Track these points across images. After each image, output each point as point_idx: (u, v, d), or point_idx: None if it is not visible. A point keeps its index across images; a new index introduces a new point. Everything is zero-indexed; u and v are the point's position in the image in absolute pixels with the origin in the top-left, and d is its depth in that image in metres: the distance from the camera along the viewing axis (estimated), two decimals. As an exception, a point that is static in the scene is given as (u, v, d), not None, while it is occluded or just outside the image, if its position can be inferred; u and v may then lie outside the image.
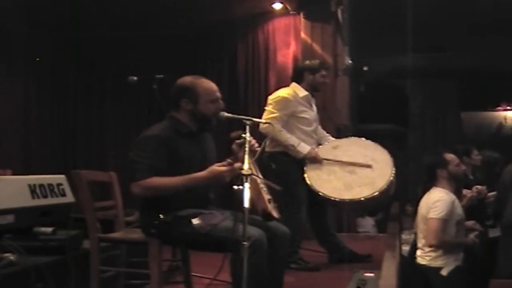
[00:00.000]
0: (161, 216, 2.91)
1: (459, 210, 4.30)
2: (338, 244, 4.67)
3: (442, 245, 4.16)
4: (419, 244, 4.32)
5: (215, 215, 2.93)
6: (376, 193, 4.17)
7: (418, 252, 4.31)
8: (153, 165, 2.87)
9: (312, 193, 4.42)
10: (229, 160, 2.85)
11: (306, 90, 4.57)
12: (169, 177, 2.87)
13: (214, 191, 3.14)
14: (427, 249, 4.21)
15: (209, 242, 2.87)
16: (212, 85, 3.09)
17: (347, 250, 4.66)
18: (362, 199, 4.18)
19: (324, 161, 4.42)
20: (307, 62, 4.89)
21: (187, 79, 3.09)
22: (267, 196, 3.08)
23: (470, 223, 4.69)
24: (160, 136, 2.95)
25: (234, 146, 3.05)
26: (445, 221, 4.14)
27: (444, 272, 4.13)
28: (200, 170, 2.92)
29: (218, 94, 3.09)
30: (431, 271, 4.17)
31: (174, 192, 2.90)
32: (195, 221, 2.87)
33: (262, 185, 3.06)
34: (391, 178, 4.21)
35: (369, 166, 4.35)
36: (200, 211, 2.94)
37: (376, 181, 4.23)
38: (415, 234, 4.69)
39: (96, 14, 6.62)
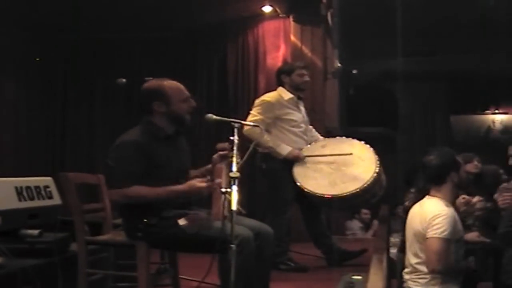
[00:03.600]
0: (145, 219, 2.91)
1: (460, 225, 3.59)
2: (331, 246, 4.70)
3: (446, 270, 3.43)
4: (412, 262, 3.55)
5: (200, 216, 2.94)
6: (359, 189, 4.21)
7: (407, 275, 3.58)
8: (132, 171, 2.88)
9: (307, 196, 4.47)
10: (208, 177, 2.88)
11: (291, 92, 4.66)
12: (149, 188, 2.88)
13: None
14: (422, 271, 3.47)
15: (197, 243, 2.88)
16: (179, 85, 3.13)
17: (341, 251, 4.70)
18: (345, 194, 4.22)
19: (312, 159, 4.51)
20: (283, 65, 5.14)
21: (153, 83, 3.11)
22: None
23: (473, 234, 4.13)
24: (137, 141, 2.95)
25: (215, 156, 3.06)
26: (449, 242, 3.39)
27: None
28: (177, 174, 2.97)
29: (187, 93, 3.13)
30: None
31: (154, 201, 2.91)
32: (182, 221, 2.87)
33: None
34: (375, 174, 4.26)
35: (349, 154, 4.42)
36: (185, 212, 2.94)
37: (360, 177, 4.28)
38: (402, 239, 4.23)
39: (86, 16, 6.60)
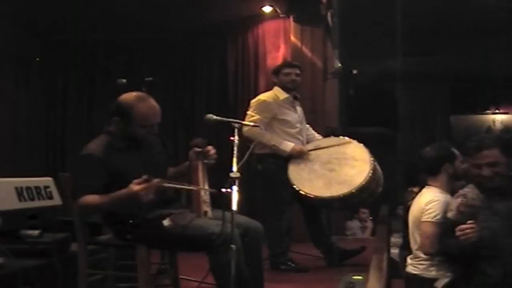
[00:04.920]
0: (130, 220, 2.92)
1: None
2: (331, 245, 4.69)
3: (440, 253, 3.47)
4: (413, 248, 3.66)
5: (186, 215, 2.94)
6: (354, 190, 4.22)
7: (409, 260, 3.70)
8: (89, 184, 2.87)
9: (303, 197, 4.46)
10: (144, 176, 2.73)
11: (285, 92, 4.65)
12: (98, 196, 2.85)
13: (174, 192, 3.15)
14: (421, 257, 3.57)
15: (183, 242, 2.89)
16: (150, 112, 3.01)
17: (339, 250, 4.70)
18: (341, 195, 4.23)
19: (307, 160, 4.50)
20: (276, 65, 5.12)
21: (129, 98, 3.04)
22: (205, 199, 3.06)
23: None
24: (94, 155, 2.93)
25: (191, 153, 3.06)
26: (441, 225, 3.47)
27: (438, 285, 3.49)
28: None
29: (154, 121, 3.03)
30: (425, 283, 3.54)
31: (108, 209, 2.91)
32: (166, 222, 2.87)
33: (203, 195, 3.03)
34: (370, 175, 4.26)
35: (349, 143, 4.49)
36: (169, 211, 2.95)
37: (355, 178, 4.29)
38: (403, 238, 4.35)
39: (85, 16, 6.60)
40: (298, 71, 4.74)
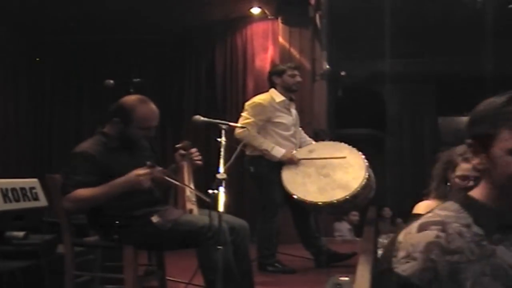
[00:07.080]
0: (117, 221, 2.93)
1: None
2: (321, 247, 4.70)
3: None
4: None
5: (172, 211, 2.96)
6: (348, 196, 4.20)
7: None
8: (80, 180, 2.90)
9: (295, 201, 4.46)
10: (148, 163, 2.85)
11: (283, 94, 4.63)
12: (92, 188, 2.89)
13: (159, 191, 3.18)
14: None
15: (173, 239, 2.90)
16: (150, 114, 3.07)
17: (330, 253, 4.70)
18: (335, 201, 4.21)
19: (300, 164, 4.47)
20: (275, 66, 5.13)
21: (130, 99, 3.09)
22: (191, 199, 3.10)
23: None
24: (88, 152, 2.98)
25: (176, 155, 3.13)
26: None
27: None
28: None
29: (153, 123, 3.09)
30: None
31: (101, 201, 2.92)
32: (155, 218, 2.89)
33: (189, 194, 3.08)
34: (364, 181, 4.24)
35: (343, 157, 4.38)
36: (155, 209, 2.96)
37: (350, 184, 4.26)
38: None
39: (73, 17, 6.58)
40: (298, 73, 4.77)
